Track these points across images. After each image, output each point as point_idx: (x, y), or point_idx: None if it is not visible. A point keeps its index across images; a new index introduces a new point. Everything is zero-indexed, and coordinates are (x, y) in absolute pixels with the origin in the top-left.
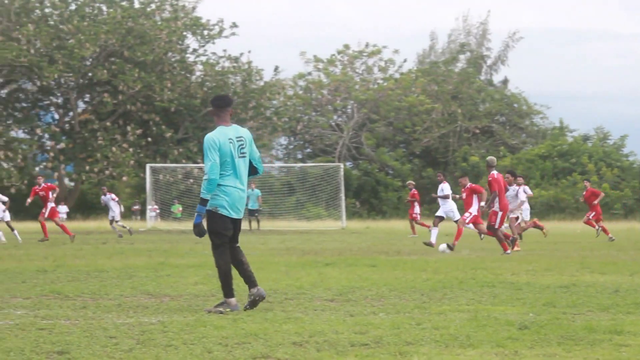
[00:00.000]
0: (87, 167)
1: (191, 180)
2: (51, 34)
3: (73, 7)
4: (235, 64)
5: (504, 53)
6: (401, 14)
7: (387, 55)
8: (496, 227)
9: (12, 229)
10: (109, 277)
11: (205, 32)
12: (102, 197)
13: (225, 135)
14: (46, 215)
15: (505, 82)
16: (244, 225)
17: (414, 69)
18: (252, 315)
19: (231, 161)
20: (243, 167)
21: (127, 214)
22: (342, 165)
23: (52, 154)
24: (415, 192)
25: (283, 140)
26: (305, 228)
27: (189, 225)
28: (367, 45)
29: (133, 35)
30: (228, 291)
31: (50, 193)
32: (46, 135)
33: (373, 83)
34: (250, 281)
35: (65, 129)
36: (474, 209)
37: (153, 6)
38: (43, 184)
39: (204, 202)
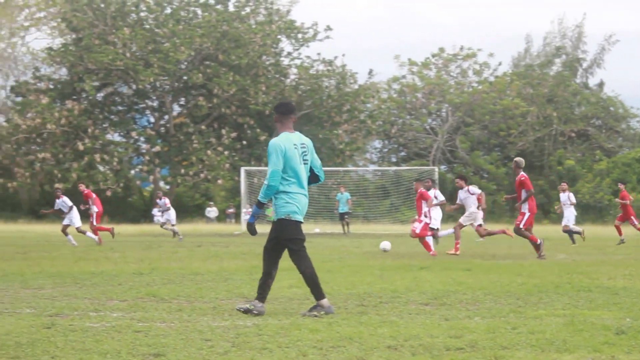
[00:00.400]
0: (182, 171)
1: None
2: (147, 37)
3: (168, 10)
4: (329, 67)
5: (599, 56)
6: (496, 18)
7: (482, 58)
8: (521, 227)
9: (67, 235)
10: (204, 280)
11: (300, 36)
12: (158, 200)
13: (290, 141)
14: (95, 222)
15: (601, 85)
16: (339, 229)
17: (509, 72)
18: (347, 319)
19: (296, 167)
20: (305, 174)
21: (222, 217)
22: (436, 169)
23: (147, 157)
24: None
25: (377, 144)
26: (400, 231)
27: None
28: (461, 48)
29: (228, 38)
30: (318, 293)
31: (89, 201)
32: (142, 139)
33: (468, 86)
34: (262, 294)
35: (161, 132)
36: (423, 217)
37: (248, 10)
38: (85, 191)
39: (260, 204)
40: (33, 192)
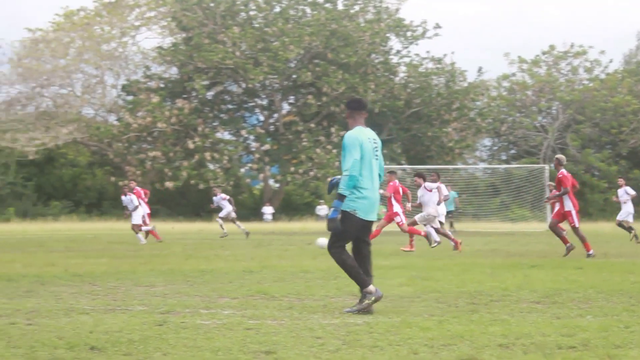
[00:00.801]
0: (292, 169)
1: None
2: (256, 36)
3: (277, 9)
4: (438, 65)
5: None
6: (607, 15)
7: (592, 55)
8: (577, 226)
9: (137, 232)
10: (314, 277)
11: (409, 34)
12: (214, 197)
13: (365, 135)
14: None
15: None
16: (447, 227)
17: (620, 70)
18: (458, 317)
19: (369, 161)
20: (377, 169)
21: None
22: (547, 167)
23: (257, 156)
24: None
25: (487, 142)
26: (510, 230)
27: (393, 226)
28: (572, 45)
29: (336, 37)
30: (362, 281)
31: (140, 200)
32: (251, 137)
33: (578, 84)
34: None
35: (270, 130)
36: (399, 209)
37: (356, 8)
38: (136, 188)
39: (341, 197)
40: None
